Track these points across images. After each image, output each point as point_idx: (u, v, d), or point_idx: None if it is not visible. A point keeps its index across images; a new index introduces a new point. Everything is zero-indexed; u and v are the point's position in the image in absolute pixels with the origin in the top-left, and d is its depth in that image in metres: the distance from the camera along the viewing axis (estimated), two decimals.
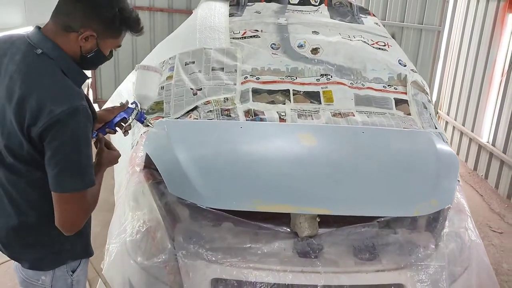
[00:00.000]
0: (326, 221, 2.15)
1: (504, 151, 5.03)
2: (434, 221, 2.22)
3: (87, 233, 1.73)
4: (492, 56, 5.46)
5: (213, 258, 1.96)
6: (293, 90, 2.82)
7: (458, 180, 2.45)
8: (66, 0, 1.51)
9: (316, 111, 2.71)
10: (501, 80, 5.23)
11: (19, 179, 1.51)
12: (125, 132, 1.90)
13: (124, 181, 2.46)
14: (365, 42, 3.23)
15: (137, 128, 2.74)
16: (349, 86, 2.88)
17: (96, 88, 6.31)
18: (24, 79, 1.44)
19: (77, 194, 1.46)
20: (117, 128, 1.87)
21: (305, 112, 2.69)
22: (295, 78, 2.90)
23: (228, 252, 1.98)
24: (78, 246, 1.65)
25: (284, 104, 2.74)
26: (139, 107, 1.93)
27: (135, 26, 1.60)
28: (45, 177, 1.47)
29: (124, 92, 3.41)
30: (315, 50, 3.08)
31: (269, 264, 1.96)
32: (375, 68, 3.02)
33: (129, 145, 2.76)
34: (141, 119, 1.93)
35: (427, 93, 3.07)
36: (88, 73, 6.62)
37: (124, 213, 2.23)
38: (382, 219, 2.17)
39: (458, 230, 2.26)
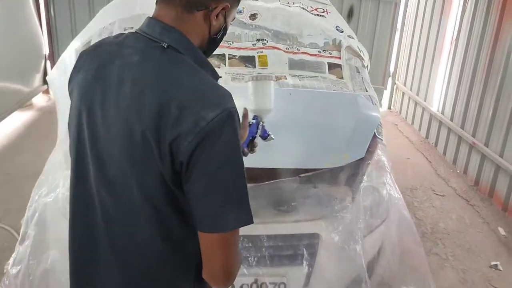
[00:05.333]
0: (249, 177, 2.25)
1: (451, 119, 5.22)
2: (353, 176, 2.35)
3: None
4: (443, 26, 5.59)
5: None
6: (228, 54, 2.87)
7: (381, 139, 2.58)
8: None
9: (250, 74, 2.78)
10: (450, 49, 5.38)
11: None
12: (251, 151, 1.69)
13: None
14: (303, 8, 3.28)
15: None
16: (284, 51, 2.94)
17: (54, 60, 6.24)
18: (155, 81, 1.07)
19: (237, 230, 1.09)
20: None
21: (239, 76, 2.76)
22: (231, 42, 2.95)
23: None
24: None
25: (219, 68, 2.80)
26: (261, 122, 1.76)
27: None
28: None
29: (68, 60, 3.40)
30: (253, 16, 3.12)
31: None
32: (311, 33, 3.09)
33: None
34: (264, 134, 1.75)
35: (362, 59, 3.16)
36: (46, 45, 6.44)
37: (55, 171, 2.29)
38: (303, 175, 2.29)
39: (377, 185, 2.41)
